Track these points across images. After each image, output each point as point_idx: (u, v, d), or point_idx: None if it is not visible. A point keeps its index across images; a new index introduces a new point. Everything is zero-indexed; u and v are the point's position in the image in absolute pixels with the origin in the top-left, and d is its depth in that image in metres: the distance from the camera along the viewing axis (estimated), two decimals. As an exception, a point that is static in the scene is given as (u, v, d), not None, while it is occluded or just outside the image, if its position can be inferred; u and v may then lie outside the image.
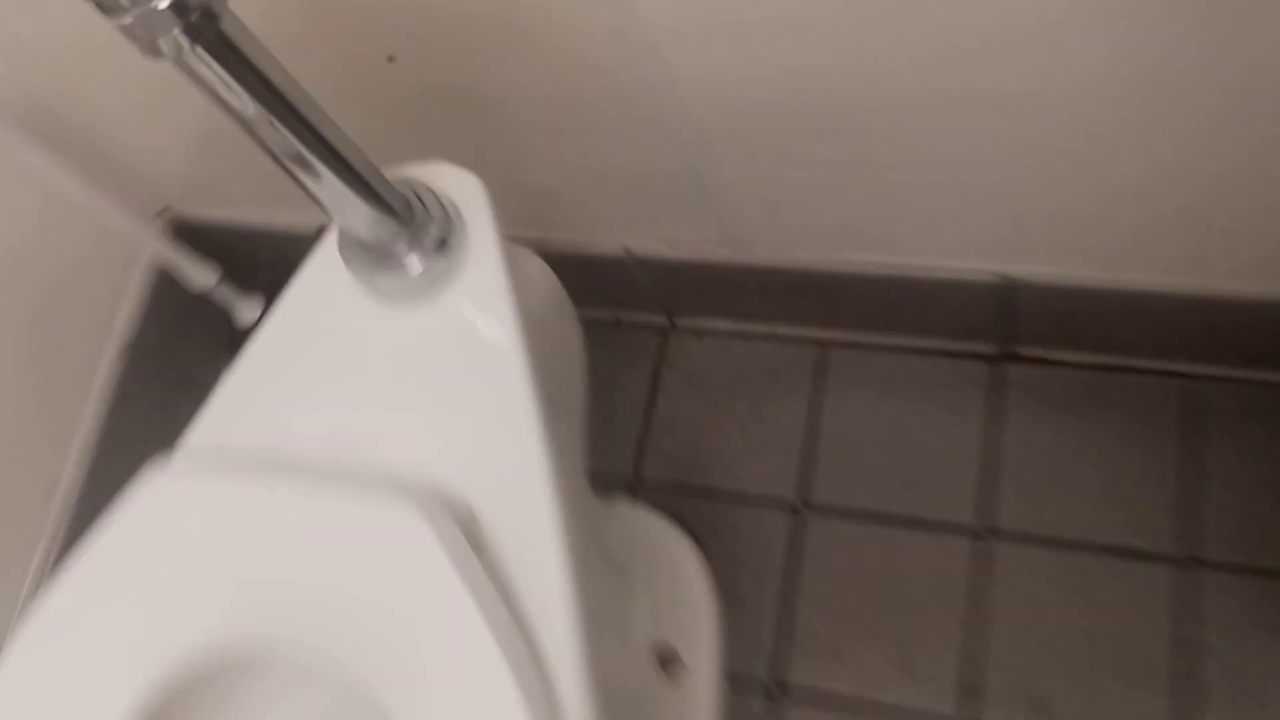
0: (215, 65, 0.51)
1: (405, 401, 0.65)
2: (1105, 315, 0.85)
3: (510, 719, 0.54)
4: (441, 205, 0.65)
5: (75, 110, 0.91)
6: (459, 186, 0.67)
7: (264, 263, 1.12)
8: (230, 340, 1.13)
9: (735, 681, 0.93)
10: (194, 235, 1.07)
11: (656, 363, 1.04)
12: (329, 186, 0.59)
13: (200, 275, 1.00)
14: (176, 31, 0.48)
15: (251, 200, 1.02)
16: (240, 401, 0.69)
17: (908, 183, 0.74)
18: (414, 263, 0.64)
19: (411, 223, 0.64)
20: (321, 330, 0.68)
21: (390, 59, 0.74)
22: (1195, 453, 0.89)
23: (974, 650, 0.89)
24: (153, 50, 0.49)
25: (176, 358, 1.12)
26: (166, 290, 1.08)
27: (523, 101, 0.75)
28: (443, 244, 0.64)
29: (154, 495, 0.63)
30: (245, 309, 1.07)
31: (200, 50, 0.50)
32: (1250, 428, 0.89)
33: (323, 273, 0.69)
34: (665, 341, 1.05)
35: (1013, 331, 0.92)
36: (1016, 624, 0.89)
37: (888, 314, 0.94)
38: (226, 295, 1.05)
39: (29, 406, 0.97)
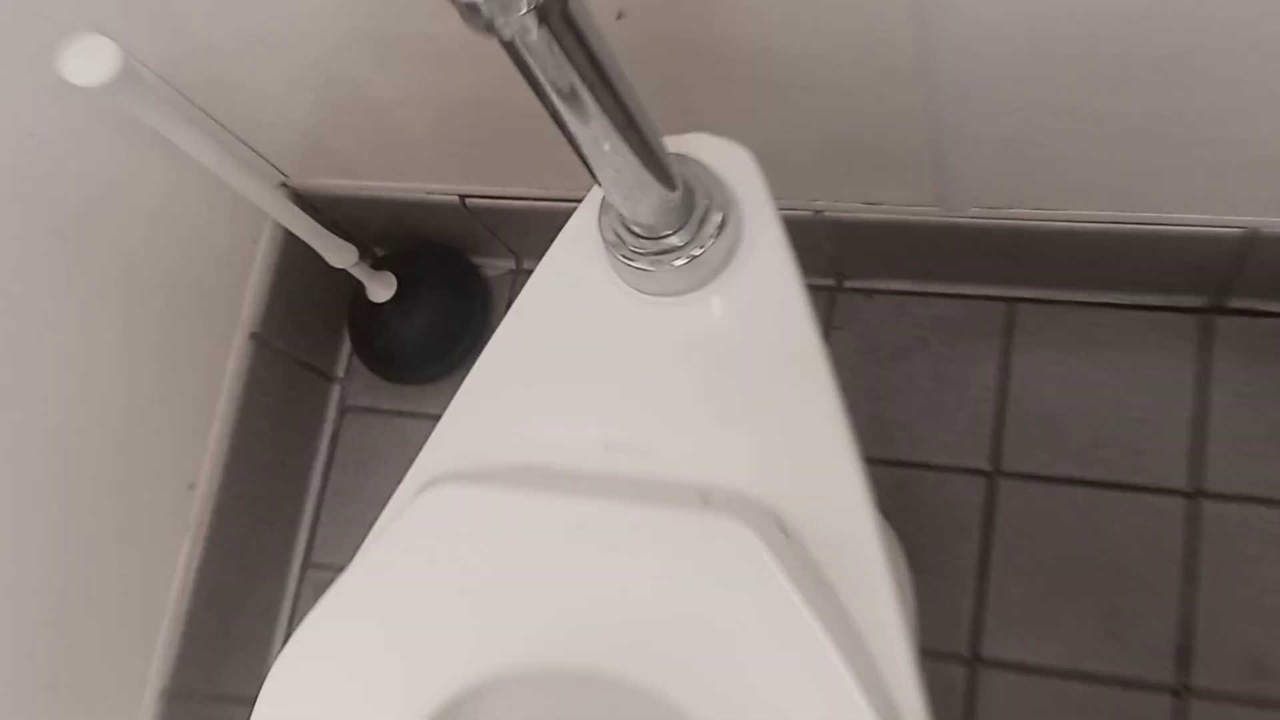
0: (555, 46, 0.45)
1: (684, 405, 0.59)
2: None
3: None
4: (718, 182, 0.60)
5: (217, 80, 0.85)
6: (726, 160, 0.62)
7: (375, 236, 1.07)
8: (355, 320, 1.08)
9: (933, 655, 0.90)
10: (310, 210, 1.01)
11: (823, 325, 1.00)
12: (628, 171, 0.54)
13: (340, 252, 0.94)
14: (524, 11, 0.43)
15: (361, 172, 0.97)
16: (489, 407, 0.64)
17: (1180, 136, 0.69)
18: (692, 248, 0.59)
19: (692, 205, 0.59)
20: (575, 326, 0.63)
21: (619, 15, 0.68)
22: None
23: (1186, 614, 0.86)
24: (485, 28, 0.44)
25: (301, 341, 1.06)
26: (288, 270, 1.02)
27: (757, 57, 0.69)
28: (722, 226, 0.59)
29: (442, 509, 0.58)
30: (379, 287, 1.01)
31: (544, 30, 0.44)
32: None
33: (573, 262, 0.64)
34: (833, 301, 1.00)
35: (1228, 284, 0.88)
36: (1229, 586, 0.86)
37: (1091, 270, 0.90)
38: (363, 272, 0.99)
39: (166, 390, 0.92)
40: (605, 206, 0.60)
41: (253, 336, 0.99)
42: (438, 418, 1.08)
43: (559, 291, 0.64)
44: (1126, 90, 0.65)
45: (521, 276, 1.10)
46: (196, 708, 0.95)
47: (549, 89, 0.48)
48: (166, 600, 0.93)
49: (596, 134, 0.51)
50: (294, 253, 1.01)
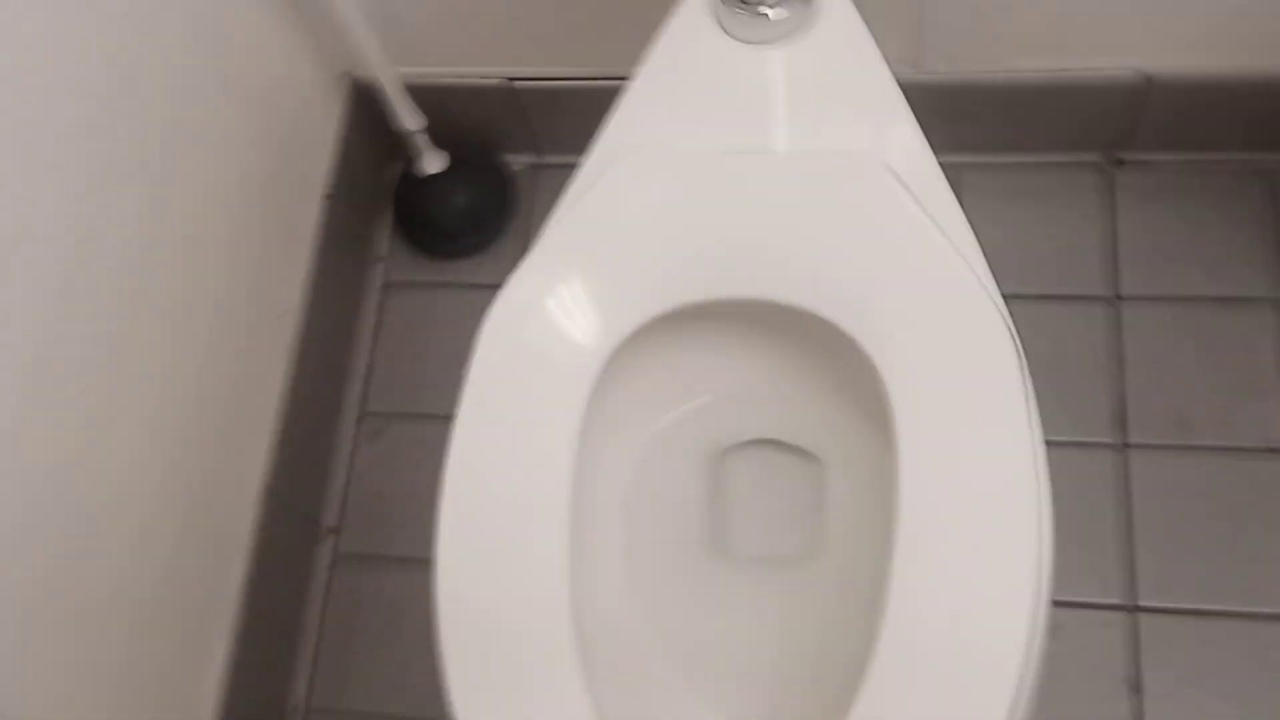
0: None
1: (792, 119, 0.79)
2: (1216, 107, 1.07)
3: (987, 314, 0.70)
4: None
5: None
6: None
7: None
8: (402, 194, 1.24)
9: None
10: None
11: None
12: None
13: (414, 115, 1.11)
14: None
15: (413, 58, 1.13)
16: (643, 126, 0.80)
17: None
18: (781, 10, 0.79)
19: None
20: (695, 72, 0.81)
21: None
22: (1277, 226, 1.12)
23: (1117, 390, 1.09)
24: None
25: (358, 212, 1.22)
26: (356, 140, 1.18)
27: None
28: (807, -7, 0.80)
29: (637, 169, 0.75)
30: (434, 159, 1.18)
31: None
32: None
33: (689, 29, 0.83)
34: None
35: (1125, 138, 1.13)
36: (1149, 364, 1.09)
37: (1016, 130, 1.14)
38: (422, 142, 1.16)
39: (258, 235, 1.06)
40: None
41: (328, 198, 1.14)
42: (476, 288, 1.25)
43: (685, 44, 0.82)
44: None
45: (542, 170, 1.28)
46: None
47: None
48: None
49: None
50: (360, 124, 1.17)
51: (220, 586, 1.01)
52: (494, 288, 1.22)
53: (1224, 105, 1.08)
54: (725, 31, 0.81)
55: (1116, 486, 1.06)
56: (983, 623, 0.65)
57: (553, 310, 0.74)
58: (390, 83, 1.07)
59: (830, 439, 0.87)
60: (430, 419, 1.20)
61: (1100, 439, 1.08)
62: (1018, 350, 0.70)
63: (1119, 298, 1.12)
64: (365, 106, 1.20)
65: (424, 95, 1.15)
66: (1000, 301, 0.72)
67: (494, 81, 1.16)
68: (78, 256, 0.81)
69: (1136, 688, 1.00)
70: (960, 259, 0.71)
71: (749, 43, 0.80)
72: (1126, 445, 1.07)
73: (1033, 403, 0.69)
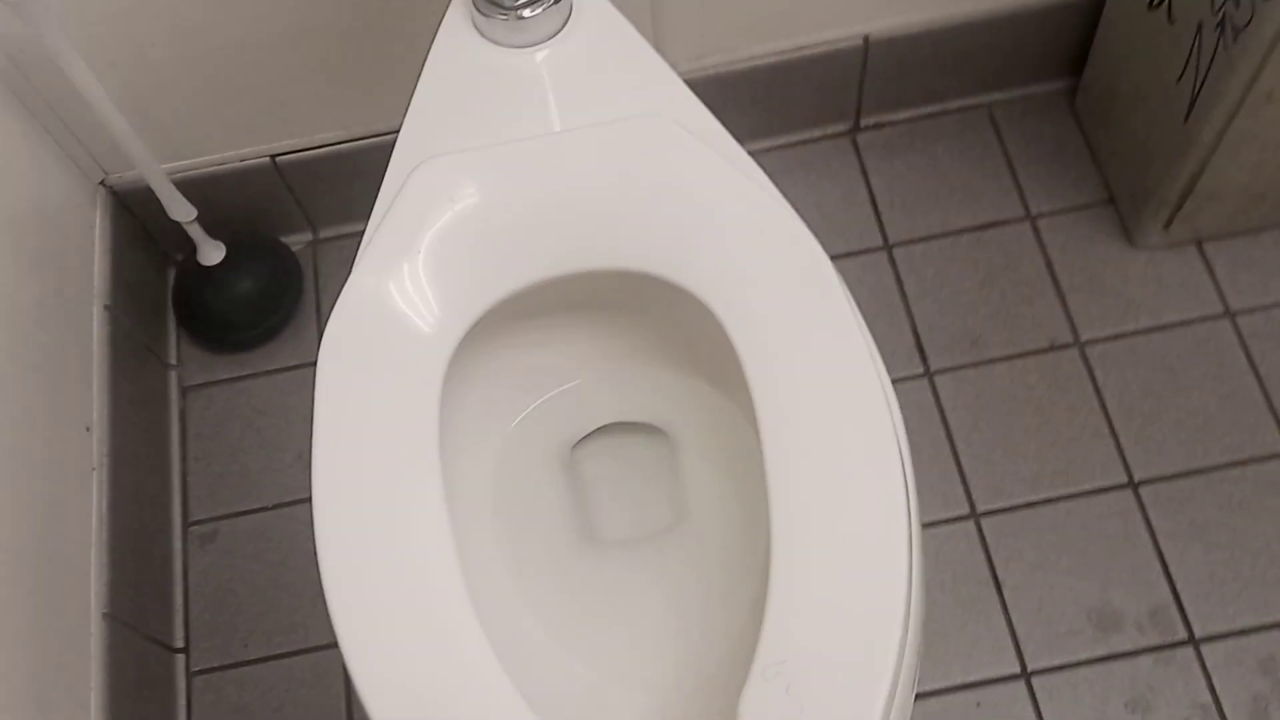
0: None
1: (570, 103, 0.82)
2: (932, 60, 1.18)
3: (807, 245, 0.74)
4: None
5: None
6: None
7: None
8: (183, 291, 1.20)
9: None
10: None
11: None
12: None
13: (183, 205, 1.09)
14: None
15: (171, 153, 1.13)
16: (423, 143, 0.82)
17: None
18: (536, 8, 0.83)
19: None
20: (468, 82, 0.84)
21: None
22: (1007, 153, 1.24)
23: (908, 324, 1.17)
24: None
25: (147, 310, 1.18)
26: (122, 248, 1.15)
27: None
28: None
29: (436, 174, 0.77)
30: (211, 250, 1.16)
31: None
32: (1041, 128, 1.25)
33: (454, 44, 0.85)
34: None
35: (859, 104, 1.23)
36: (933, 297, 1.18)
37: (765, 115, 1.22)
38: (196, 234, 1.14)
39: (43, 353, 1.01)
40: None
41: (106, 308, 1.10)
42: (275, 372, 1.23)
43: (451, 58, 0.84)
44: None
45: (320, 246, 1.27)
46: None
47: None
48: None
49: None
50: (126, 230, 1.14)
51: (78, 723, 0.94)
52: (292, 369, 1.23)
53: (936, 56, 1.19)
54: (489, 40, 0.84)
55: (930, 411, 1.13)
56: (865, 551, 0.67)
57: (393, 306, 0.74)
58: (155, 177, 1.05)
59: (675, 409, 0.90)
60: (259, 512, 1.16)
61: (906, 373, 1.15)
62: (839, 278, 0.75)
63: (890, 244, 1.21)
64: (131, 212, 1.17)
65: (191, 188, 1.13)
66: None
67: (257, 161, 1.16)
68: None
69: (997, 585, 1.06)
70: (769, 195, 0.76)
71: (513, 47, 0.84)
72: (930, 372, 1.15)
73: (864, 326, 0.74)
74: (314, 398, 0.71)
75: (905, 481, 0.69)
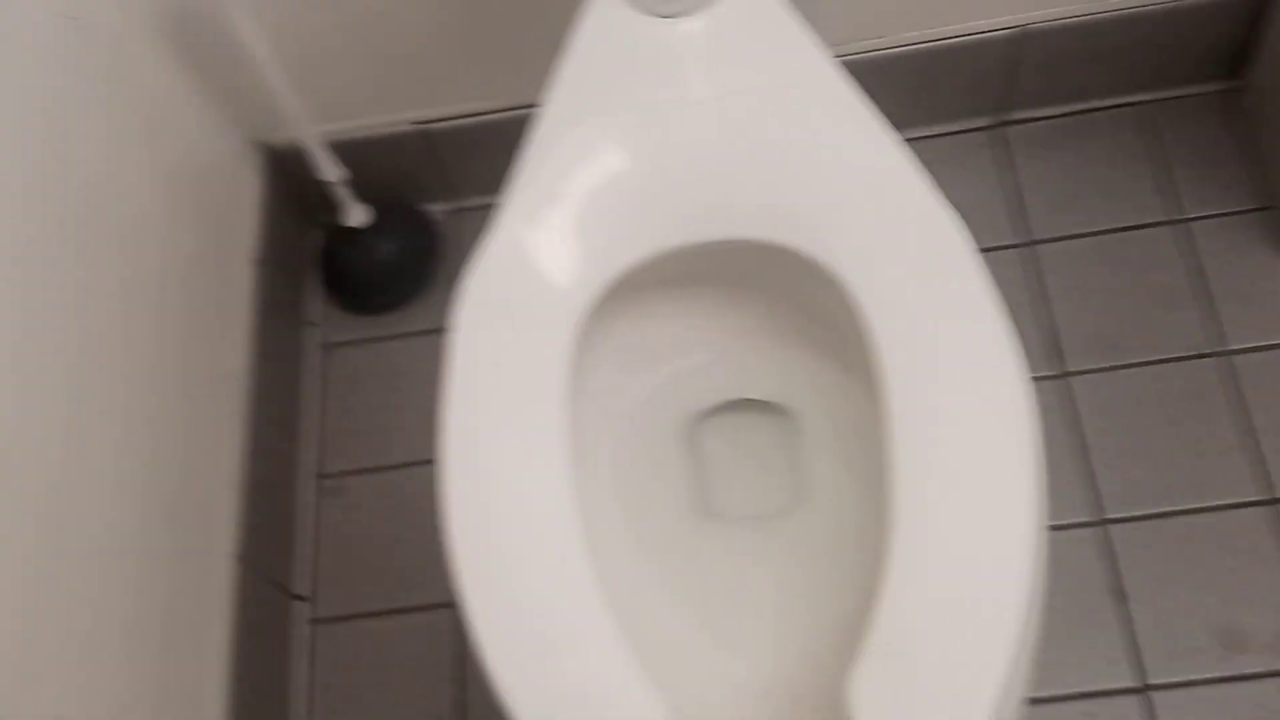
0: None
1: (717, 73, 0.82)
2: (1087, 54, 1.15)
3: (949, 231, 0.73)
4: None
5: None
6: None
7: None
8: (330, 253, 1.25)
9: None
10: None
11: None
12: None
13: (334, 168, 1.13)
14: None
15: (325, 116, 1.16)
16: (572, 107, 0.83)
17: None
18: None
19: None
20: (617, 49, 0.84)
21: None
22: (1161, 154, 1.20)
23: (1046, 323, 1.14)
24: None
25: (292, 269, 1.23)
26: (275, 208, 1.20)
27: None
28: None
29: (579, 137, 0.78)
30: (359, 212, 1.20)
31: None
32: (1197, 130, 1.21)
33: (604, 9, 0.86)
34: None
35: (1008, 98, 1.21)
36: (1072, 297, 1.15)
37: (909, 104, 1.20)
38: (345, 196, 1.17)
39: (193, 318, 1.06)
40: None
41: (257, 264, 1.15)
42: (412, 335, 1.26)
43: (602, 26, 0.85)
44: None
45: (463, 214, 1.30)
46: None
47: None
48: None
49: None
50: (279, 189, 1.19)
51: (206, 659, 0.98)
52: (431, 333, 1.25)
53: (1091, 50, 1.16)
54: (638, 8, 0.85)
55: (1065, 413, 1.10)
56: (990, 546, 0.66)
57: (534, 258, 0.76)
58: (310, 137, 1.09)
59: (800, 389, 0.90)
60: (389, 470, 1.20)
61: (1042, 372, 1.12)
62: (983, 268, 0.74)
63: (1033, 242, 1.18)
64: (283, 172, 1.21)
65: (340, 151, 1.16)
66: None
67: (406, 128, 1.19)
68: (20, 343, 0.81)
69: (1121, 595, 1.03)
70: (916, 176, 0.75)
71: (663, 16, 0.84)
72: (1066, 374, 1.12)
73: (1005, 320, 0.73)
74: (450, 340, 0.73)
75: (1037, 479, 0.68)
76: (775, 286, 0.83)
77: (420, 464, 1.18)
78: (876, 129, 0.79)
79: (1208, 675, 0.99)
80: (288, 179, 1.22)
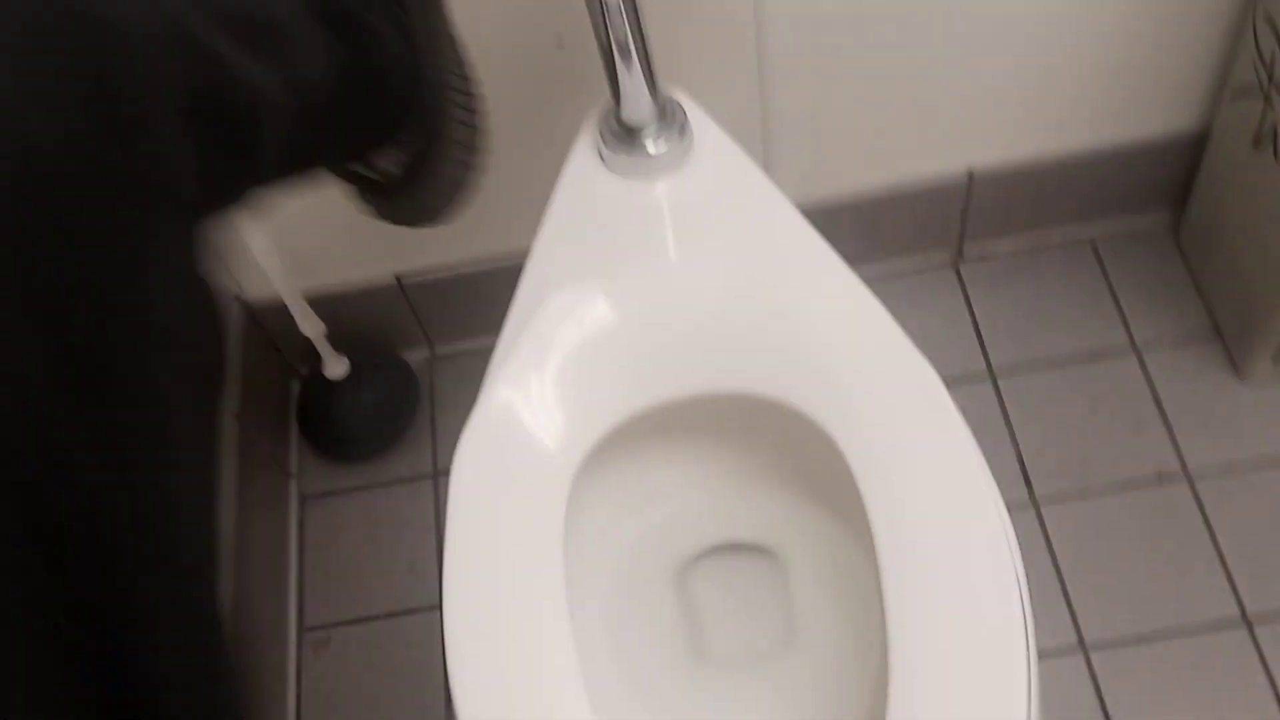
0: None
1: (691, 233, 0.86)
2: (1035, 193, 1.21)
3: (931, 383, 0.77)
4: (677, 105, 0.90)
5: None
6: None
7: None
8: (306, 403, 1.26)
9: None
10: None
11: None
12: (635, 74, 0.83)
13: (313, 323, 1.15)
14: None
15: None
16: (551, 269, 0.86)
17: (910, 91, 1.07)
18: (660, 144, 0.87)
19: (665, 111, 0.88)
20: (595, 212, 0.88)
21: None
22: (1113, 284, 1.25)
23: (1014, 453, 1.17)
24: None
25: (270, 420, 1.24)
26: (252, 362, 1.21)
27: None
28: (683, 129, 0.89)
29: (561, 302, 0.81)
30: (335, 364, 1.22)
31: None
32: (1146, 261, 1.27)
33: (580, 176, 0.90)
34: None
35: (961, 235, 1.26)
36: (1038, 426, 1.19)
37: (867, 243, 1.25)
38: (324, 348, 1.19)
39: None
40: (604, 118, 0.88)
41: (236, 418, 1.16)
42: (391, 484, 1.27)
43: (582, 193, 0.88)
44: (891, 51, 1.03)
45: (436, 362, 1.32)
46: None
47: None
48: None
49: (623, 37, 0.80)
50: (255, 345, 1.21)
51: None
52: (408, 481, 1.27)
53: (1039, 187, 1.22)
54: (614, 173, 0.89)
55: (1036, 539, 1.13)
56: (987, 675, 0.68)
57: (522, 421, 0.78)
58: (290, 294, 1.12)
59: (786, 531, 0.92)
60: (371, 620, 1.19)
61: (1011, 499, 1.15)
62: (954, 405, 0.77)
63: (994, 373, 1.22)
64: (261, 326, 1.23)
65: (316, 305, 1.19)
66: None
67: (382, 282, 1.22)
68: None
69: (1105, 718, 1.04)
70: (884, 321, 0.79)
71: (638, 178, 0.88)
72: (1035, 501, 1.15)
73: (979, 453, 0.76)
74: (448, 504, 0.74)
75: (1024, 610, 0.70)
76: (761, 434, 0.86)
77: (403, 614, 1.19)
78: (848, 278, 0.83)
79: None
80: (266, 332, 1.24)
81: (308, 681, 1.16)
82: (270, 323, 1.24)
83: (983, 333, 1.25)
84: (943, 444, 0.75)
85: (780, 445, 0.86)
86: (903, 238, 1.27)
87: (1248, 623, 1.07)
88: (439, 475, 1.26)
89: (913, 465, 0.75)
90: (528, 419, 0.78)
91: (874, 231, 1.25)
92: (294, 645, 1.18)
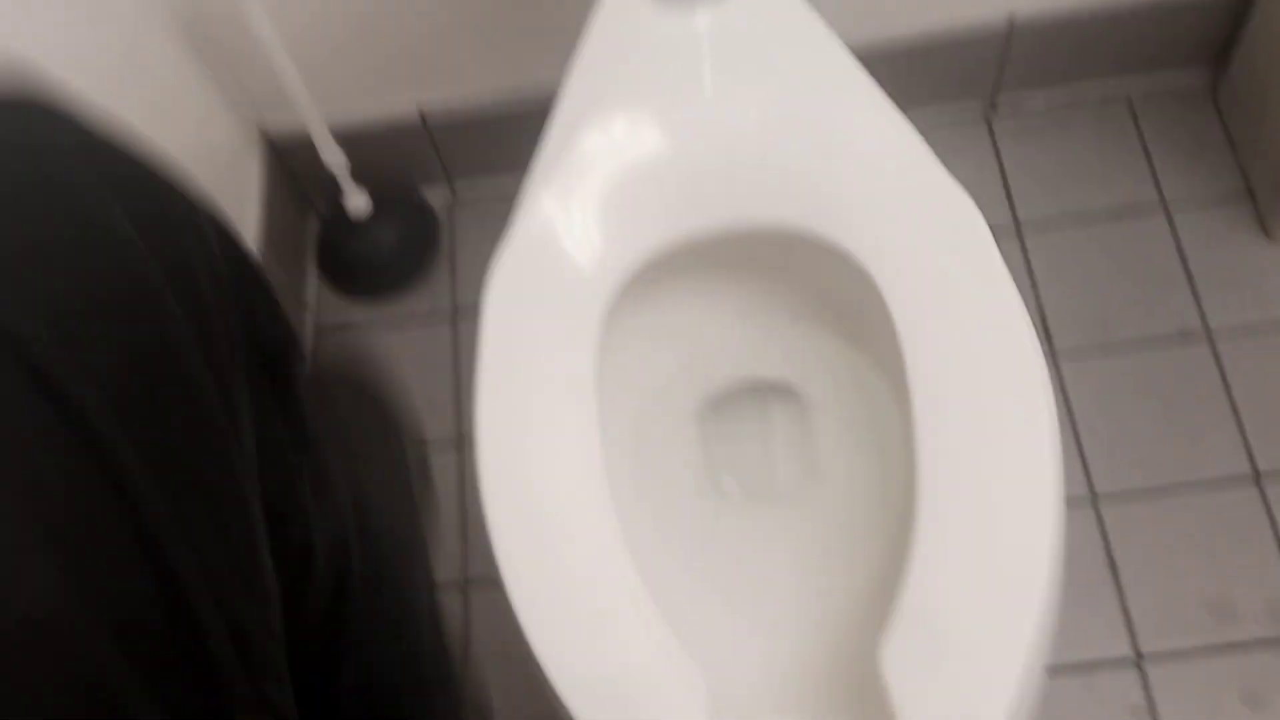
0: None
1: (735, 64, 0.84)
2: (1075, 44, 1.18)
3: (966, 211, 0.76)
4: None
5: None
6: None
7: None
8: (327, 239, 1.25)
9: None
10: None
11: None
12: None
13: (336, 154, 1.13)
14: None
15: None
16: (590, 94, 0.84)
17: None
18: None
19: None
20: (634, 42, 0.86)
21: None
22: (1146, 141, 1.23)
23: (1036, 307, 1.17)
24: None
25: (289, 254, 1.23)
26: (273, 199, 1.20)
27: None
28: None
29: (603, 127, 0.79)
30: (358, 200, 1.20)
31: None
32: (1181, 118, 1.24)
33: (619, 6, 0.87)
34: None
35: (997, 84, 1.23)
36: (1062, 280, 1.18)
37: (902, 90, 1.22)
38: (345, 183, 1.18)
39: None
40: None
41: (258, 250, 1.15)
42: (406, 321, 1.26)
43: (617, 16, 0.86)
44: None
45: (458, 204, 1.31)
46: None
47: None
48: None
49: None
50: (278, 177, 1.19)
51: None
52: (423, 319, 1.26)
53: (1079, 40, 1.19)
54: (655, 2, 0.86)
55: (1055, 393, 1.13)
56: (1016, 519, 0.68)
57: (562, 241, 0.77)
58: (314, 123, 1.09)
59: (813, 370, 0.92)
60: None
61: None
62: (995, 246, 0.76)
63: (1019, 225, 1.21)
64: (284, 159, 1.22)
65: (340, 139, 1.17)
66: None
67: (407, 116, 1.20)
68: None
69: (1113, 569, 1.06)
70: (929, 158, 0.78)
71: (679, 7, 0.86)
72: (1054, 354, 1.15)
73: (1019, 296, 0.75)
74: (481, 316, 0.74)
75: (1056, 451, 0.70)
76: (796, 270, 0.85)
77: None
78: (892, 114, 0.81)
79: (1199, 645, 1.03)
80: (288, 166, 1.23)
81: (327, 511, 1.18)
82: (293, 156, 1.22)
83: (1011, 187, 1.24)
84: (984, 286, 0.75)
85: (816, 285, 0.86)
86: (937, 85, 1.24)
87: (1258, 481, 1.08)
88: (457, 316, 1.26)
89: (952, 305, 0.74)
90: (567, 238, 0.77)
91: (909, 78, 1.21)
92: (313, 476, 1.19)
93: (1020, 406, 0.71)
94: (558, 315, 0.76)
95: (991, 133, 1.26)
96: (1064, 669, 1.03)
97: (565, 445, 0.74)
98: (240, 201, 1.16)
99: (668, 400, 0.92)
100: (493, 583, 1.13)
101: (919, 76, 1.22)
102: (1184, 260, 1.18)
